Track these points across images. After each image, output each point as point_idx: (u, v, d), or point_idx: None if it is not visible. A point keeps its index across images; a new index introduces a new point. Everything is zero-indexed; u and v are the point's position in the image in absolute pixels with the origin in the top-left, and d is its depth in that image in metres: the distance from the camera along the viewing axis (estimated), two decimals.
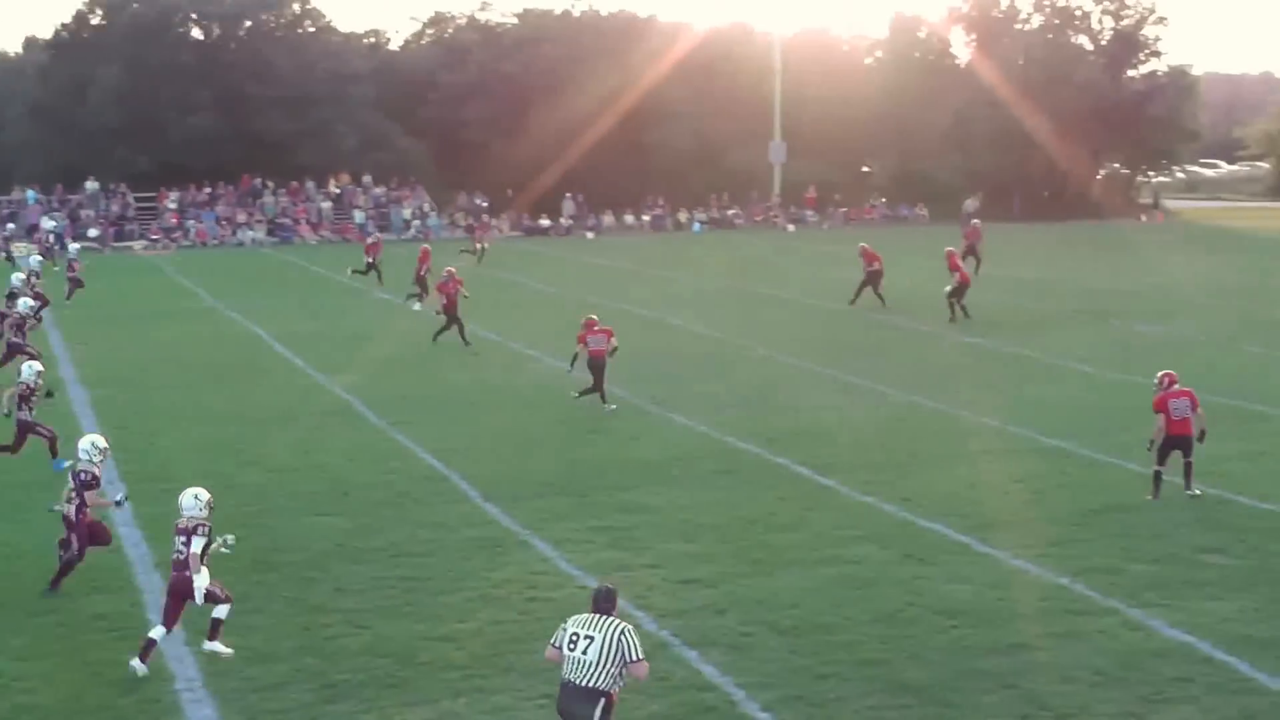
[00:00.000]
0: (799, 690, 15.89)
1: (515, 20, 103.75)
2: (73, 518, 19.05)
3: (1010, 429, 29.29)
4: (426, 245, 53.84)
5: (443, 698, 15.78)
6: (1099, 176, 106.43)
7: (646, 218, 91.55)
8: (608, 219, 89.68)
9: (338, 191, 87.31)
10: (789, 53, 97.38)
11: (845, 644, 17.24)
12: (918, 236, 72.54)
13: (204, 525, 16.83)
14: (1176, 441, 23.50)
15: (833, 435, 28.83)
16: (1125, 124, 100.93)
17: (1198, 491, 23.57)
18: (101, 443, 19.61)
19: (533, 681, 16.06)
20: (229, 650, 16.88)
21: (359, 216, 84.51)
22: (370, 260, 55.70)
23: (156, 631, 16.70)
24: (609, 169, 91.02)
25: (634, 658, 13.05)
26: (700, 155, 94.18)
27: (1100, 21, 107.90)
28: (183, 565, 16.71)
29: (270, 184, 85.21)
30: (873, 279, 48.16)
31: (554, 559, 20.57)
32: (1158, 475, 23.58)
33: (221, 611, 16.88)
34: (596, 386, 31.49)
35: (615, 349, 31.93)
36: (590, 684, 13.00)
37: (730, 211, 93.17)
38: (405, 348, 40.14)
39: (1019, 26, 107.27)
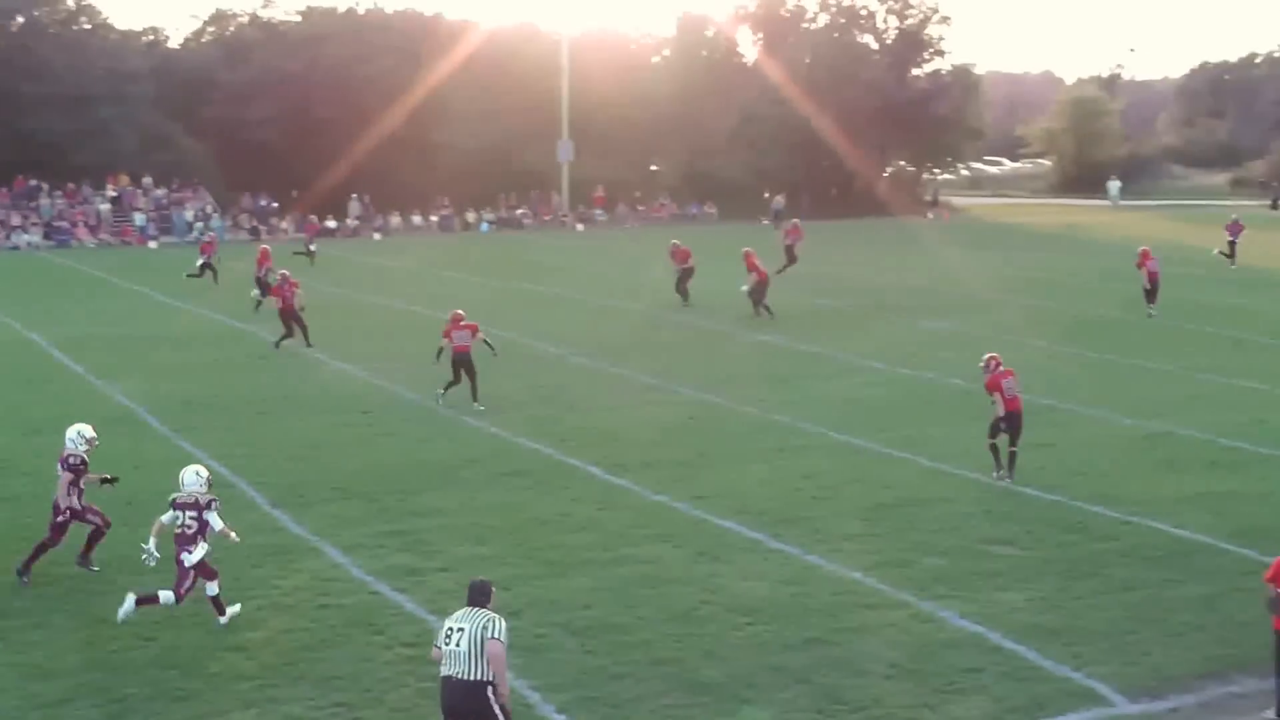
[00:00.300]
0: (594, 691, 15.86)
1: (298, 18, 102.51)
2: (77, 506, 19.97)
3: (802, 425, 29.55)
4: (266, 246, 52.96)
5: (234, 709, 15.49)
6: (886, 174, 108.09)
7: (434, 218, 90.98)
8: (395, 220, 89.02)
9: (116, 194, 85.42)
10: (576, 52, 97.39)
11: (640, 643, 17.26)
12: (707, 235, 72.96)
13: (216, 500, 18.32)
14: (1011, 419, 24.81)
15: (625, 435, 28.86)
16: (911, 122, 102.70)
17: (1009, 481, 24.49)
18: (89, 431, 20.30)
19: (325, 690, 15.86)
20: (237, 607, 18.18)
21: (139, 219, 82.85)
22: (205, 260, 55.01)
23: (166, 596, 17.89)
24: (396, 169, 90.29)
25: (491, 635, 13.21)
26: (488, 154, 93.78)
27: (885, 21, 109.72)
28: (188, 539, 17.92)
29: (46, 186, 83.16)
30: (685, 276, 48.36)
31: (345, 565, 20.33)
32: (994, 448, 24.94)
33: (213, 589, 17.93)
34: (456, 380, 31.53)
35: (490, 346, 32.43)
36: (468, 677, 13.15)
37: (519, 211, 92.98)
38: (190, 353, 39.43)
39: (806, 26, 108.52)
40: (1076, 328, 43.10)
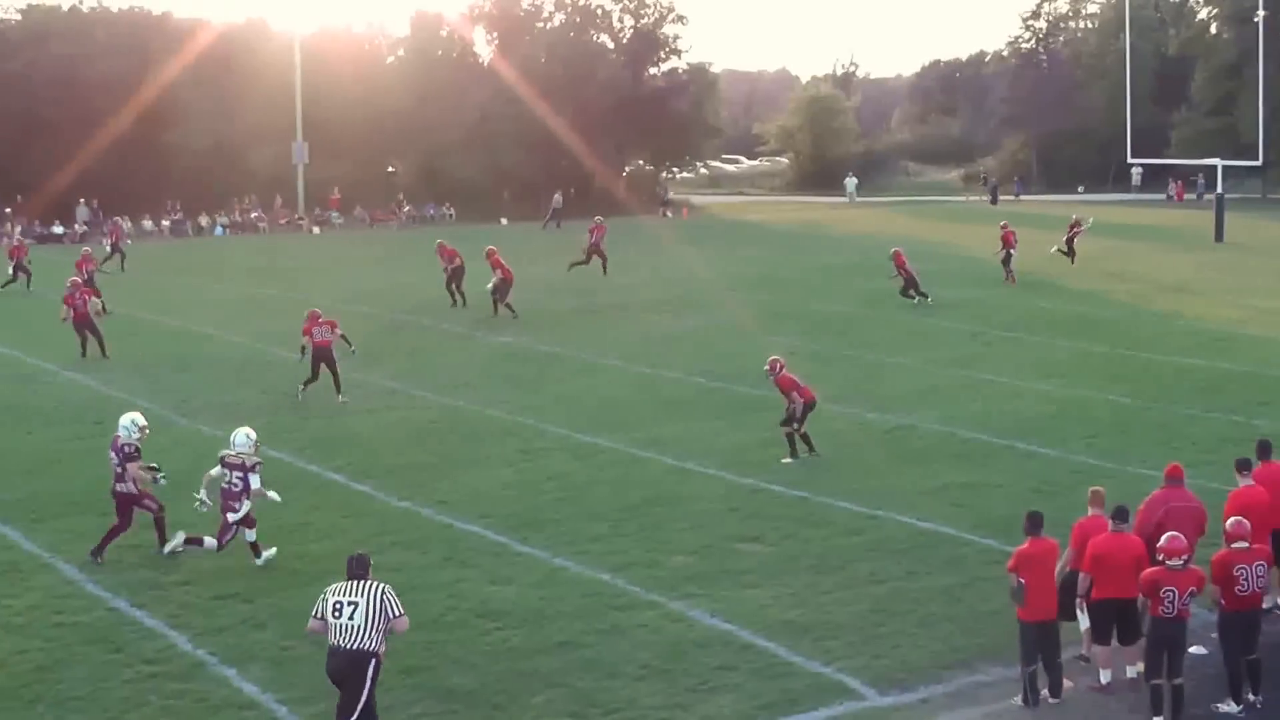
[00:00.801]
0: None
1: (19, 17, 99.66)
2: (133, 491, 21.17)
3: (545, 427, 29.57)
4: (88, 249, 51.39)
5: None
6: (624, 174, 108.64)
7: (166, 223, 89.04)
8: (126, 224, 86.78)
9: None
10: (310, 51, 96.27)
11: (388, 653, 17.07)
12: (446, 236, 72.44)
13: (260, 463, 20.99)
14: (810, 407, 26.53)
15: (368, 441, 28.64)
16: (648, 121, 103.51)
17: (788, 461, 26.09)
18: (141, 420, 21.62)
19: (62, 713, 15.48)
20: (273, 550, 20.80)
21: None
22: (15, 263, 54.08)
23: (209, 542, 20.70)
24: (126, 172, 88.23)
25: (395, 613, 14.30)
26: (221, 156, 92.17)
27: (621, 20, 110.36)
28: (234, 496, 20.60)
29: None
30: (456, 276, 47.79)
31: (80, 581, 19.83)
32: (791, 436, 26.45)
33: (251, 535, 20.76)
34: (314, 377, 32.24)
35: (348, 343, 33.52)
36: (359, 646, 14.09)
37: (253, 214, 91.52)
38: None
39: (541, 25, 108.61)
40: (817, 324, 43.72)
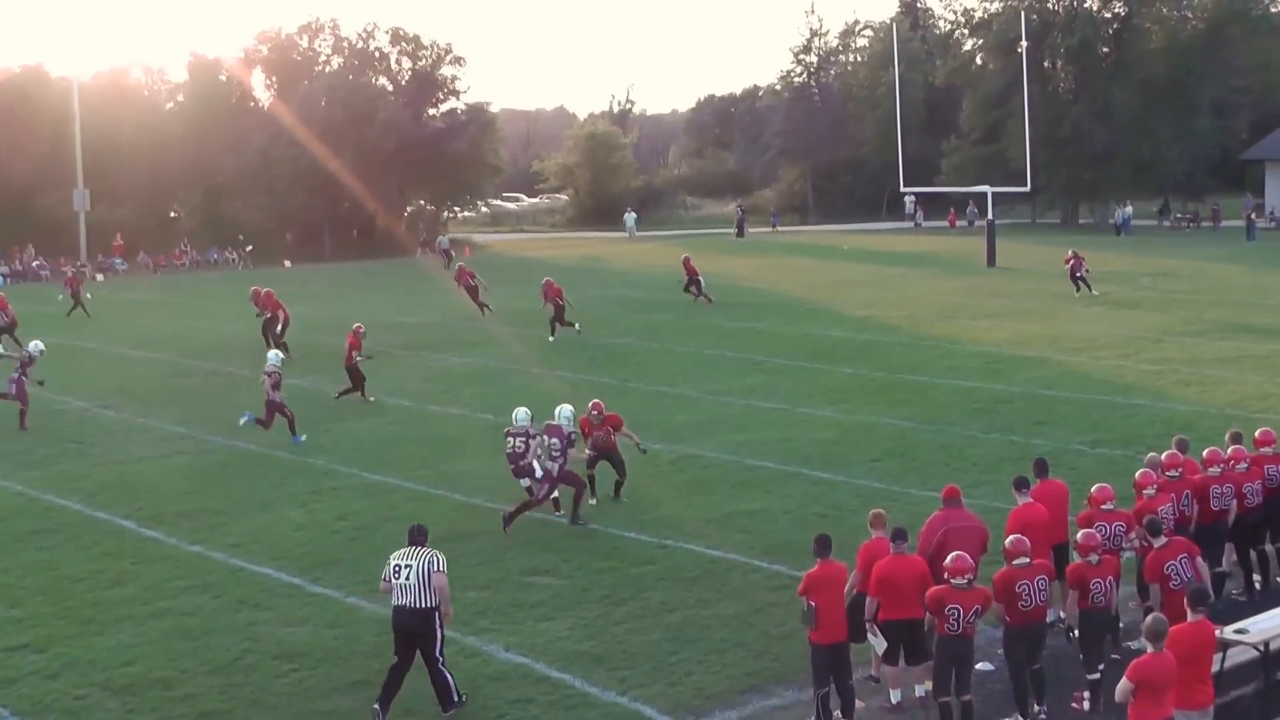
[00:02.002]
0: None
1: None
2: (554, 472, 24.16)
3: (335, 467, 29.37)
4: None
5: None
6: (405, 214, 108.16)
7: None
8: None
9: None
10: (89, 96, 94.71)
11: (185, 697, 16.86)
12: (233, 281, 71.73)
13: (538, 434, 24.73)
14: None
15: (156, 485, 28.20)
16: (429, 161, 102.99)
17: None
18: (569, 410, 24.84)
19: None
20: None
21: None
22: None
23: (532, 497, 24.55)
24: None
25: (436, 569, 16.34)
26: (1, 205, 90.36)
27: (399, 63, 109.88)
28: (519, 456, 25.10)
29: None
30: (272, 325, 46.60)
31: None
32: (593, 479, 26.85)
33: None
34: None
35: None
36: (418, 604, 16.24)
37: (35, 263, 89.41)
38: None
39: (319, 69, 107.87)
40: (597, 357, 43.89)
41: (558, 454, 24.14)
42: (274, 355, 34.78)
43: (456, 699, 16.35)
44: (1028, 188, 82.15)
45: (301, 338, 46.84)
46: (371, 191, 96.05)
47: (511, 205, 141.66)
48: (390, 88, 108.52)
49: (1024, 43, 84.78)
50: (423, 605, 16.19)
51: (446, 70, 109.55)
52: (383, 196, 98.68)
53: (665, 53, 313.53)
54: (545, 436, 24.39)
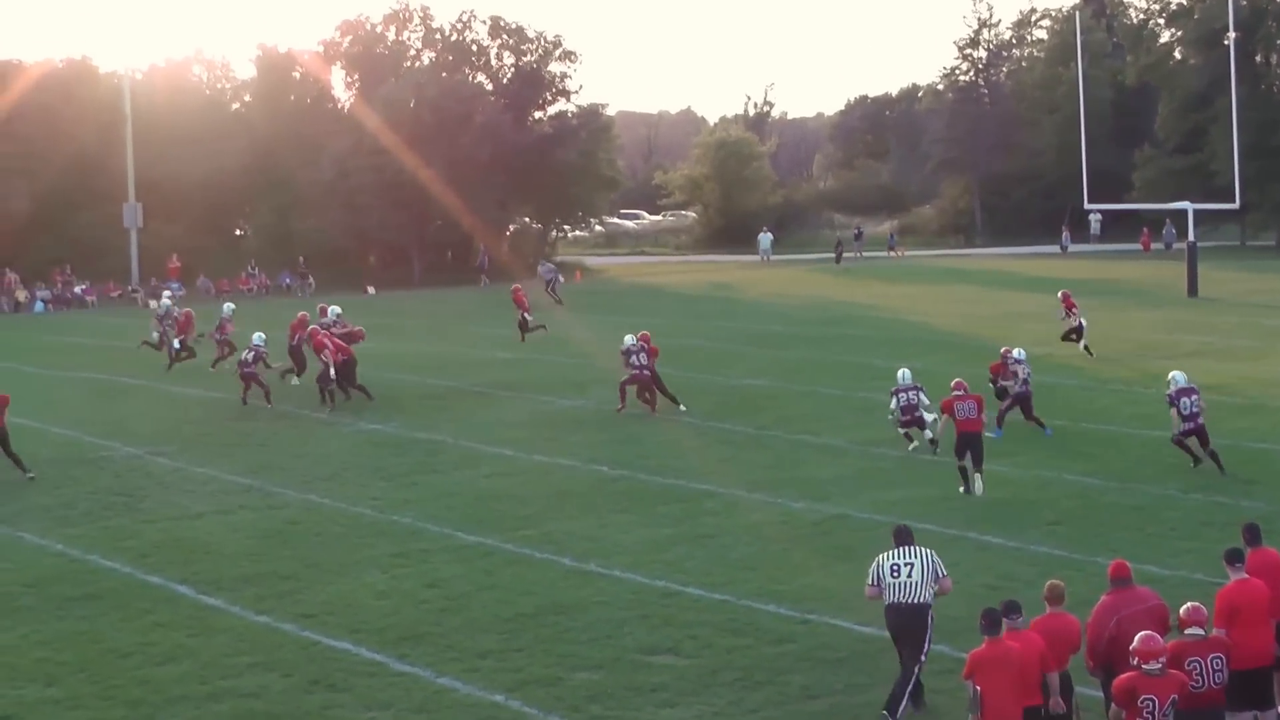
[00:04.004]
0: None
1: None
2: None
3: (424, 526, 29.44)
4: None
5: None
6: (508, 233, 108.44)
7: None
8: None
9: None
10: (142, 96, 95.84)
11: None
12: (307, 309, 72.33)
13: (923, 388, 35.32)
14: (966, 439, 30.89)
15: (217, 546, 28.38)
16: (533, 172, 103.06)
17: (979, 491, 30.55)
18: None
19: None
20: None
21: None
22: None
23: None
24: None
25: (942, 573, 18.75)
26: (40, 220, 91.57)
27: (500, 57, 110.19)
28: (912, 408, 35.13)
29: None
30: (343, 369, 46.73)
31: None
32: (961, 469, 31.03)
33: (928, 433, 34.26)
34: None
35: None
36: (919, 600, 18.47)
37: (79, 288, 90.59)
38: None
39: (408, 64, 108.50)
40: (729, 400, 43.83)
41: (913, 401, 35.17)
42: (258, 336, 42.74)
43: (912, 707, 18.40)
44: (1236, 205, 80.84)
45: (386, 376, 47.08)
46: (467, 207, 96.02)
47: (630, 224, 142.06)
48: (489, 86, 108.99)
49: (1232, 34, 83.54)
50: (922, 600, 18.51)
51: (555, 67, 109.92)
52: (480, 213, 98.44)
53: (809, 47, 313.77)
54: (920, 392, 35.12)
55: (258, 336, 45.57)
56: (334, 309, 50.24)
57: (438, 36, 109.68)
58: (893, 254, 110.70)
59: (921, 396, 35.08)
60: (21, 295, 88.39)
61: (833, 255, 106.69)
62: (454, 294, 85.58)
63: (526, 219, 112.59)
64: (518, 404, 44.73)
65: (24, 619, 23.80)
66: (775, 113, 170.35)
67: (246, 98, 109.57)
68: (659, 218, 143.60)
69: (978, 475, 30.87)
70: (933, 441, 34.14)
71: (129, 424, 42.31)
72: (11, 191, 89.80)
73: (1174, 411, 32.09)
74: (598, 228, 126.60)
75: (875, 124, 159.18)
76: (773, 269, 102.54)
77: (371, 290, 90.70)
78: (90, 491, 33.45)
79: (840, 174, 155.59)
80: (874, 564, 18.93)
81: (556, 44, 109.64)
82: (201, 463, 36.50)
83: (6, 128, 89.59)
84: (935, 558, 18.84)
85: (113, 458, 37.61)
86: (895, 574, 18.60)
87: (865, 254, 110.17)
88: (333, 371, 44.03)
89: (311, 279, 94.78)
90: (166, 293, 48.23)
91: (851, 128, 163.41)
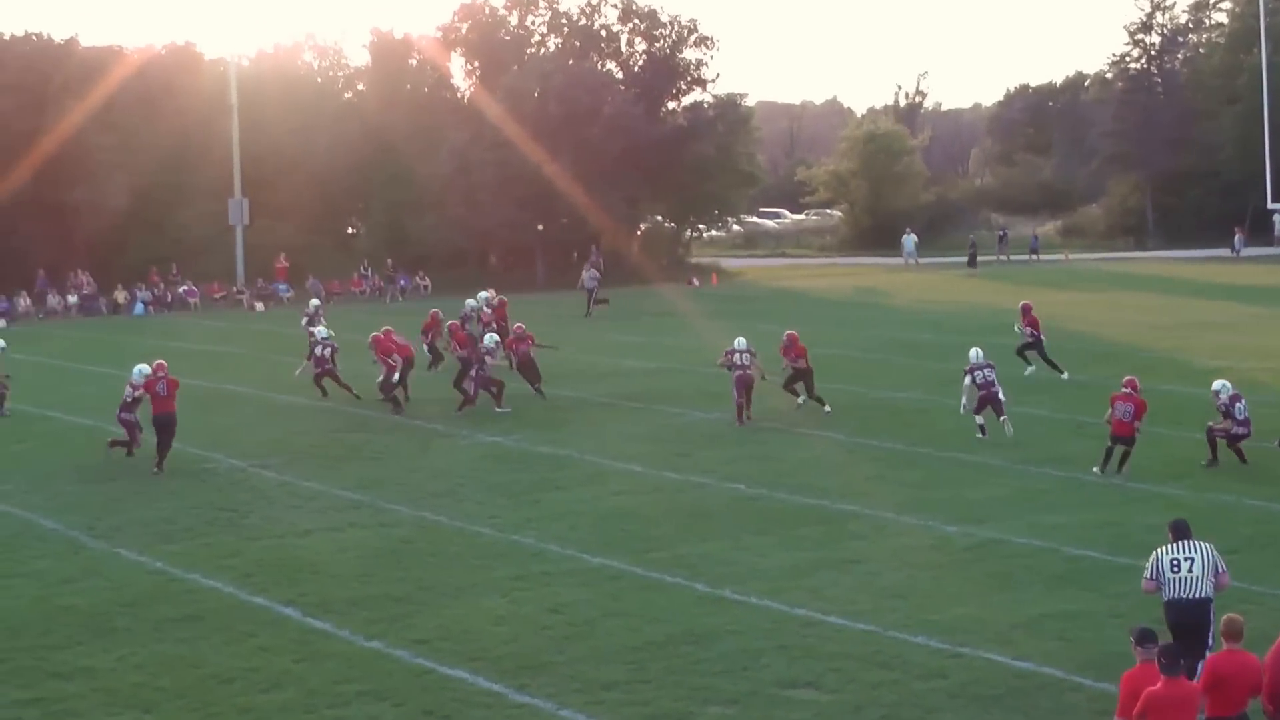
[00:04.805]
0: None
1: None
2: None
3: (547, 546, 29.50)
4: None
5: None
6: (638, 232, 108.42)
7: (74, 299, 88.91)
8: (22, 302, 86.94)
9: None
10: (249, 84, 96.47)
11: None
12: (423, 312, 72.61)
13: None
14: (1117, 440, 34.08)
15: (325, 566, 28.56)
16: (666, 168, 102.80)
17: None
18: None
19: None
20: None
21: None
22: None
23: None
24: (22, 239, 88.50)
25: (1223, 568, 19.98)
26: (140, 217, 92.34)
27: (631, 44, 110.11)
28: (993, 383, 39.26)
29: None
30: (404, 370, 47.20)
31: None
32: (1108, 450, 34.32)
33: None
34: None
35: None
36: (1199, 595, 19.60)
37: (182, 289, 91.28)
38: None
39: (532, 50, 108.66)
40: (876, 415, 43.69)
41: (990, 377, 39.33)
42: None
43: None
44: None
45: (508, 386, 47.26)
46: (595, 204, 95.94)
47: (770, 223, 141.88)
48: (619, 75, 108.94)
49: None
50: (1203, 595, 19.65)
51: (690, 53, 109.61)
52: (609, 211, 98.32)
53: (966, 32, 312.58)
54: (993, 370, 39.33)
55: (322, 331, 46.91)
56: (482, 295, 52.05)
57: (564, 21, 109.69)
58: (1034, 258, 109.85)
59: (993, 374, 39.37)
60: (121, 296, 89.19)
61: (992, 257, 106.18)
62: (578, 298, 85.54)
63: (658, 218, 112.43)
64: (647, 416, 44.79)
65: (120, 641, 24.03)
66: (928, 104, 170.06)
67: (360, 86, 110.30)
68: (801, 217, 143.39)
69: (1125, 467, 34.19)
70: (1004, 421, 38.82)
71: (233, 434, 42.69)
72: (110, 186, 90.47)
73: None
74: (735, 227, 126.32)
75: (1037, 116, 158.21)
76: (921, 273, 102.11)
77: (492, 293, 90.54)
78: (192, 506, 33.75)
79: (998, 170, 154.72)
80: (1153, 558, 20.11)
81: (692, 29, 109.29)
82: (310, 476, 36.75)
83: (105, 118, 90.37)
84: (1215, 552, 19.98)
85: (216, 470, 37.97)
86: (1175, 569, 19.72)
87: (1010, 257, 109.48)
88: (396, 375, 45.16)
89: (429, 280, 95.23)
90: (315, 300, 49.53)
91: (1011, 120, 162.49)
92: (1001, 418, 39.07)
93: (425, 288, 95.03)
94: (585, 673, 21.94)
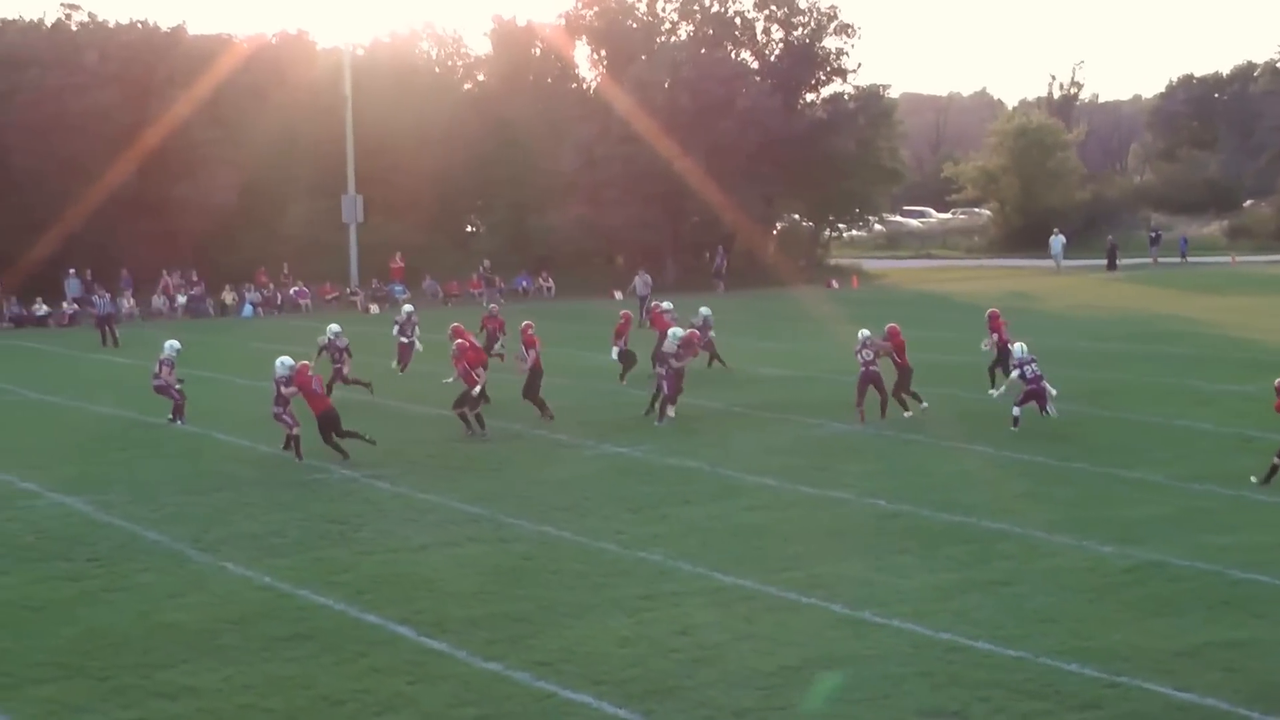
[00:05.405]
0: None
1: None
2: None
3: (675, 564, 29.48)
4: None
5: None
6: (775, 232, 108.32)
7: (181, 299, 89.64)
8: (127, 302, 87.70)
9: None
10: (364, 74, 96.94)
11: None
12: (547, 315, 72.86)
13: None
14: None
15: (441, 583, 28.63)
16: (805, 164, 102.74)
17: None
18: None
19: None
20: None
21: None
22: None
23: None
24: (127, 236, 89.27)
25: None
26: (249, 214, 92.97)
27: (768, 32, 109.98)
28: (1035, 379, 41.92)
29: None
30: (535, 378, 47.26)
31: None
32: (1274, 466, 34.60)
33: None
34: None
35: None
36: None
37: (293, 289, 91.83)
38: None
39: (662, 39, 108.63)
40: (1027, 427, 43.42)
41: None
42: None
43: None
44: None
45: (630, 392, 47.21)
46: (729, 202, 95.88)
47: (914, 223, 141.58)
48: (754, 65, 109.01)
49: None
50: None
51: (829, 42, 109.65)
52: (744, 209, 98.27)
53: (1125, 19, 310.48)
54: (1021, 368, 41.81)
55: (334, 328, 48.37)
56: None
57: (696, 8, 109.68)
58: (1183, 261, 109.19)
59: (1037, 368, 42.16)
60: (228, 297, 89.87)
61: (1143, 260, 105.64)
62: (714, 300, 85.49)
63: (796, 216, 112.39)
64: (783, 427, 44.75)
65: (227, 659, 24.18)
66: (1084, 95, 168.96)
67: (480, 77, 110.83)
68: (948, 216, 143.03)
69: None
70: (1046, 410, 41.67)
71: (346, 443, 42.88)
72: (217, 182, 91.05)
73: None
74: (878, 227, 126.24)
75: (1202, 108, 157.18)
76: (1071, 276, 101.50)
77: (619, 295, 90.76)
78: (301, 518, 33.94)
79: (1160, 166, 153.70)
80: None
81: (831, 16, 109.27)
82: (426, 488, 36.87)
83: (212, 111, 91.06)
84: None
85: (327, 481, 38.17)
86: None
87: (1160, 259, 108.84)
88: (477, 389, 44.46)
89: (552, 282, 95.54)
90: (408, 307, 50.03)
91: (1173, 113, 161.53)
92: (1044, 413, 42.32)
93: (549, 289, 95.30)
94: (715, 699, 21.91)
